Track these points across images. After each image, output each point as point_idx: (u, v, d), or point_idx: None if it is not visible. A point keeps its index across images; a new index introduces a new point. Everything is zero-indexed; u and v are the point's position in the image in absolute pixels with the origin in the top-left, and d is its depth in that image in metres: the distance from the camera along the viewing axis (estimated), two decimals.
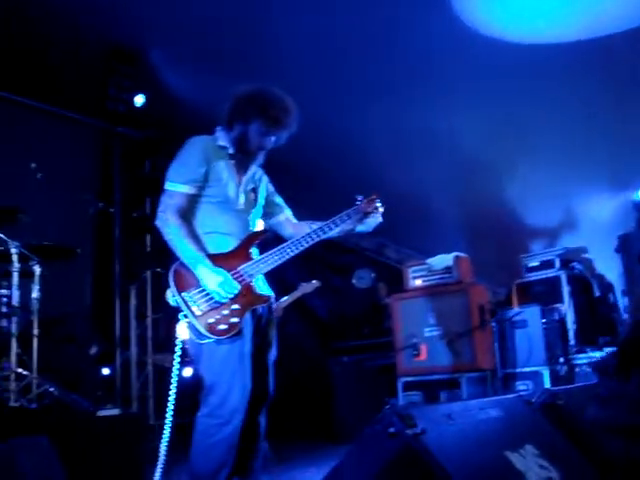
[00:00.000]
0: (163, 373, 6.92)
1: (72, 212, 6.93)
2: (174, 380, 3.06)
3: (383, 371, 7.00)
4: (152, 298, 7.31)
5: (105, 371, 6.73)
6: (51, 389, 4.63)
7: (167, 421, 3.05)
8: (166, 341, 7.22)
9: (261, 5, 5.73)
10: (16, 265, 4.82)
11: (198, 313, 2.93)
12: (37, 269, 4.98)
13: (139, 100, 7.20)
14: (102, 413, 4.69)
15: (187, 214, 3.07)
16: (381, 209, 3.24)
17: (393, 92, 6.39)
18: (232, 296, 2.95)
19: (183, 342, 3.05)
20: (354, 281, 8.04)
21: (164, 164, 7.28)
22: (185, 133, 3.32)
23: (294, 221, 3.39)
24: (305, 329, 8.55)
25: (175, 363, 3.04)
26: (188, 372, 5.76)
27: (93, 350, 6.48)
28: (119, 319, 7.18)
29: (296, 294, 5.77)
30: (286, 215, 3.40)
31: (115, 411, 4.95)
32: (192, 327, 2.95)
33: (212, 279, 2.92)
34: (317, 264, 7.18)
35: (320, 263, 7.52)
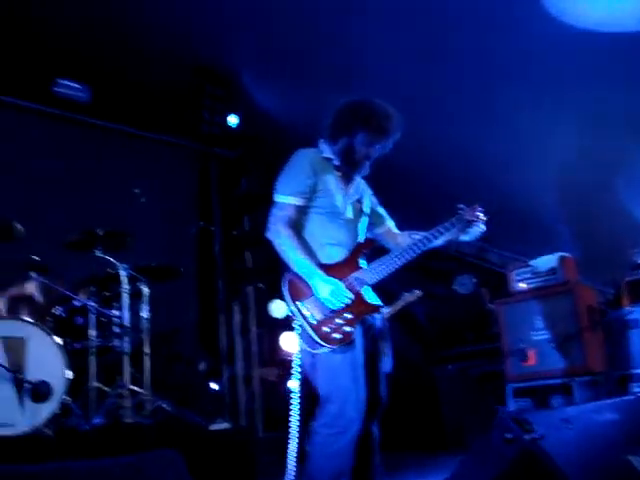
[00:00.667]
0: (269, 386, 7.02)
1: (175, 232, 7.17)
2: (295, 394, 3.06)
3: (489, 378, 6.85)
4: (255, 313, 7.44)
5: (213, 386, 6.88)
6: (164, 405, 4.78)
7: (292, 435, 3.05)
8: (270, 355, 7.32)
9: (351, 18, 5.73)
10: (126, 287, 5.01)
11: (313, 322, 2.95)
12: (145, 289, 5.16)
13: (233, 120, 7.36)
14: (213, 427, 4.80)
15: (297, 225, 3.10)
16: (484, 218, 3.20)
17: (495, 95, 6.27)
18: (345, 304, 2.96)
19: (294, 354, 3.06)
20: (455, 287, 7.93)
21: (260, 182, 7.47)
22: (279, 150, 3.37)
23: (396, 232, 3.40)
24: (407, 338, 8.48)
25: (295, 375, 3.05)
26: (293, 384, 5.81)
27: (201, 366, 6.64)
28: (224, 335, 7.34)
29: (399, 304, 5.75)
30: (388, 226, 3.42)
31: (225, 425, 5.05)
32: (306, 337, 2.97)
33: (325, 287, 2.94)
34: (417, 272, 7.11)
35: (420, 271, 7.45)
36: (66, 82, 6.41)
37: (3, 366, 4.12)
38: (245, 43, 6.34)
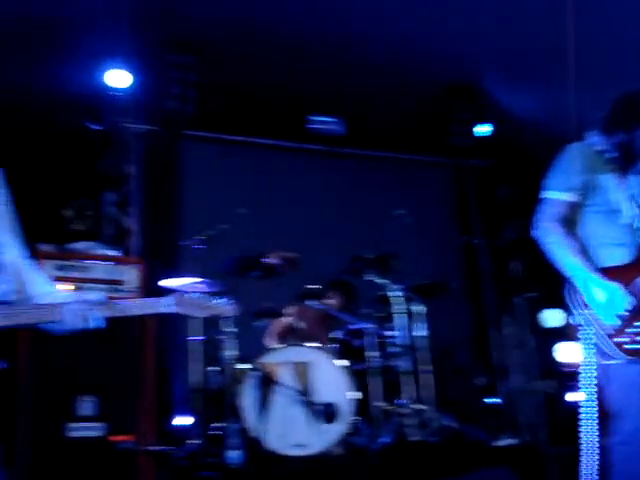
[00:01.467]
0: (549, 400, 6.75)
1: (439, 249, 7.27)
2: (588, 407, 2.88)
3: None
4: (528, 324, 7.22)
5: (492, 400, 6.77)
6: (448, 422, 4.80)
7: (586, 451, 2.86)
8: (547, 367, 7.05)
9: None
10: (400, 307, 5.14)
11: (609, 331, 2.73)
12: (419, 308, 5.24)
13: (482, 130, 7.29)
14: (499, 443, 4.72)
15: (571, 224, 2.91)
16: None
17: None
18: (624, 312, 2.70)
19: (579, 365, 2.88)
20: None
21: (517, 187, 7.26)
22: (534, 153, 3.26)
23: None
24: None
25: (583, 387, 2.87)
26: (580, 397, 5.53)
27: (479, 380, 6.57)
28: (497, 348, 7.22)
29: None
30: None
31: (511, 441, 4.93)
32: (599, 347, 2.76)
33: (599, 293, 2.73)
34: None
35: None
36: (319, 118, 6.73)
37: (295, 389, 4.42)
38: (489, 51, 6.24)
